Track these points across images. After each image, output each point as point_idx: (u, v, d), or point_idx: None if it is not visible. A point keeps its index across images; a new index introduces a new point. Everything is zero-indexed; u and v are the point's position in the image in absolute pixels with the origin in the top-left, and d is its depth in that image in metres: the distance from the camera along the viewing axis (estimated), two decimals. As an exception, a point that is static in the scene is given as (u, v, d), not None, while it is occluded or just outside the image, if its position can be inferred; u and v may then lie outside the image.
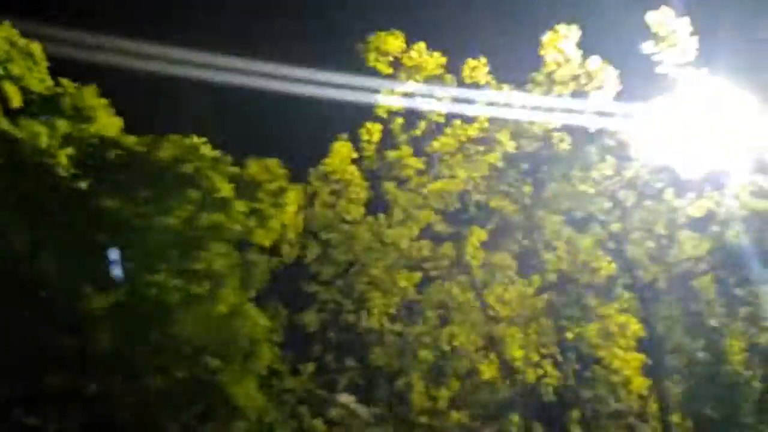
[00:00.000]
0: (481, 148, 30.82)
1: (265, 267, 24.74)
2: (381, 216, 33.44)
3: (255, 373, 23.56)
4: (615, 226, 31.36)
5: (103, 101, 24.47)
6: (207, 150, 25.09)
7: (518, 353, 33.84)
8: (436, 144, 31.24)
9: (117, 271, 22.23)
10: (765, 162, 28.47)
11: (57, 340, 21.75)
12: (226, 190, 23.89)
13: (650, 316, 29.59)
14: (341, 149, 33.17)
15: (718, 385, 26.31)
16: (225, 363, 22.53)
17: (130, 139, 23.59)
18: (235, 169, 24.71)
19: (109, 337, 22.09)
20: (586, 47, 31.50)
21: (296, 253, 33.80)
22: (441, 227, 32.40)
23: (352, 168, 33.27)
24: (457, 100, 31.60)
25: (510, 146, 31.01)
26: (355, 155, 33.10)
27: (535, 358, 33.76)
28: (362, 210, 33.48)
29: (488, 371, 33.50)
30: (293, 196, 27.20)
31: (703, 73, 29.93)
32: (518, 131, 31.23)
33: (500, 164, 31.28)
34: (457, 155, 30.90)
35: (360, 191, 33.22)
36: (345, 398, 30.32)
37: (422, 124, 31.60)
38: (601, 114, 31.33)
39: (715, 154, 30.05)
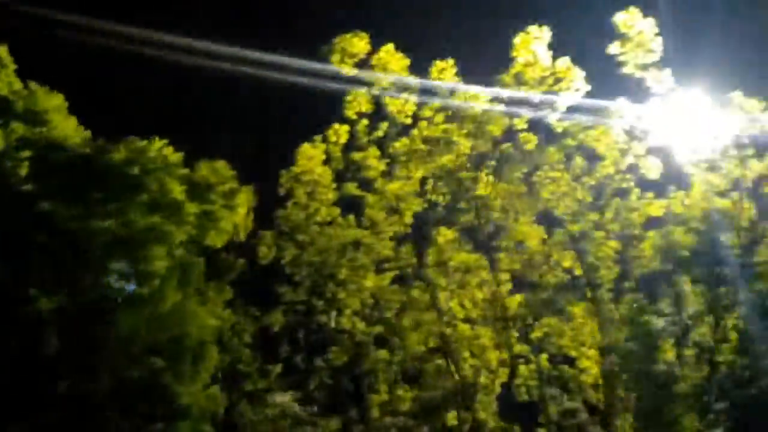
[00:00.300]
0: (439, 149, 30.83)
1: (203, 269, 24.57)
2: (351, 217, 33.64)
3: (204, 372, 23.65)
4: (580, 226, 31.34)
5: (59, 102, 24.53)
6: (168, 152, 25.18)
7: (492, 354, 33.98)
8: (397, 145, 31.31)
9: (63, 273, 22.34)
10: (723, 162, 28.39)
11: (3, 342, 21.88)
12: (177, 192, 23.90)
13: (605, 315, 29.61)
14: (310, 151, 33.34)
15: (653, 382, 26.26)
16: (171, 363, 22.59)
17: (80, 141, 23.65)
18: (186, 171, 24.71)
19: (56, 338, 22.22)
20: (555, 48, 31.72)
21: (273, 254, 34.19)
22: (406, 228, 32.49)
23: (322, 169, 33.40)
24: (422, 101, 31.71)
25: (470, 147, 31.03)
26: (324, 157, 33.35)
27: (506, 357, 33.87)
28: (336, 211, 33.62)
29: (457, 371, 33.48)
30: (244, 198, 27.30)
31: (667, 74, 29.95)
32: (482, 132, 31.28)
33: (465, 164, 31.38)
34: (414, 156, 30.94)
35: (329, 192, 33.35)
36: (280, 397, 30.36)
37: (384, 125, 31.67)
38: (567, 114, 31.37)
39: (678, 154, 30.10)
